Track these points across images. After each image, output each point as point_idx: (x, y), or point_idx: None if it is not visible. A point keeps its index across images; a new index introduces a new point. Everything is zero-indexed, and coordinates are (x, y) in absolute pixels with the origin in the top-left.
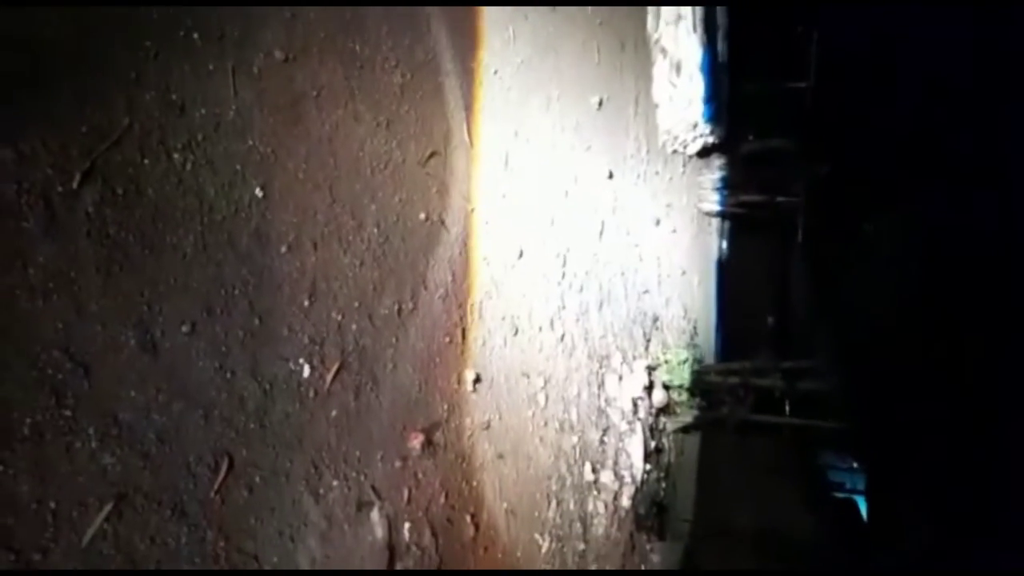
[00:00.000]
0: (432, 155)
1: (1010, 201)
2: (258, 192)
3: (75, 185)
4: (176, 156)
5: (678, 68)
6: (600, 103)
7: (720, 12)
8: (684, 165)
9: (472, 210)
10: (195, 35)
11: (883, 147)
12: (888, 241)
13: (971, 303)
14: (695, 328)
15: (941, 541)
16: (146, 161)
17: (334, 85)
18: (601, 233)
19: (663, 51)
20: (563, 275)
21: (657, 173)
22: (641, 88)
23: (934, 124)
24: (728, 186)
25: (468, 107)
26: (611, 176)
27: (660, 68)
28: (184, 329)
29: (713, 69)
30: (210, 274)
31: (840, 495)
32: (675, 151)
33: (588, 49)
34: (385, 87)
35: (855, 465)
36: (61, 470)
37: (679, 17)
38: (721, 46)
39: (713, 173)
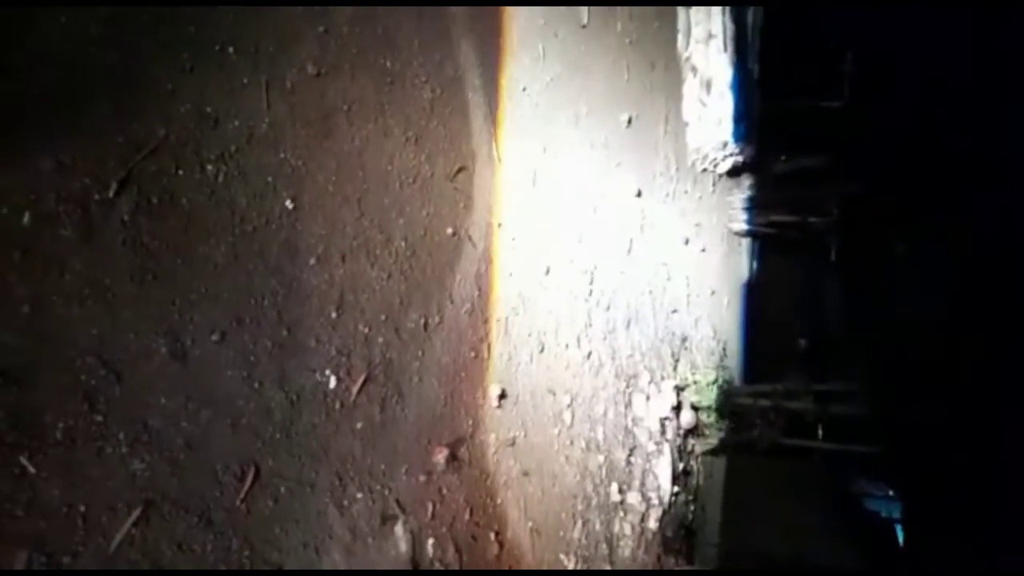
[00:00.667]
0: (460, 170)
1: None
2: (289, 204)
3: (111, 194)
4: (209, 167)
5: (708, 86)
6: (629, 121)
7: (751, 31)
8: (714, 184)
9: (499, 226)
10: (230, 49)
11: (918, 159)
12: (923, 261)
13: (1012, 319)
14: (724, 349)
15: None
16: (180, 171)
17: (365, 100)
18: (629, 251)
19: (693, 69)
20: (590, 292)
21: (686, 192)
22: (671, 107)
23: (938, 125)
24: (759, 206)
25: (495, 123)
26: (640, 194)
27: (690, 86)
28: (214, 338)
29: (744, 87)
30: (240, 284)
31: (876, 522)
32: (705, 170)
33: (618, 68)
34: (415, 102)
35: (890, 492)
36: (92, 475)
37: (710, 35)
38: (752, 64)
39: (743, 192)
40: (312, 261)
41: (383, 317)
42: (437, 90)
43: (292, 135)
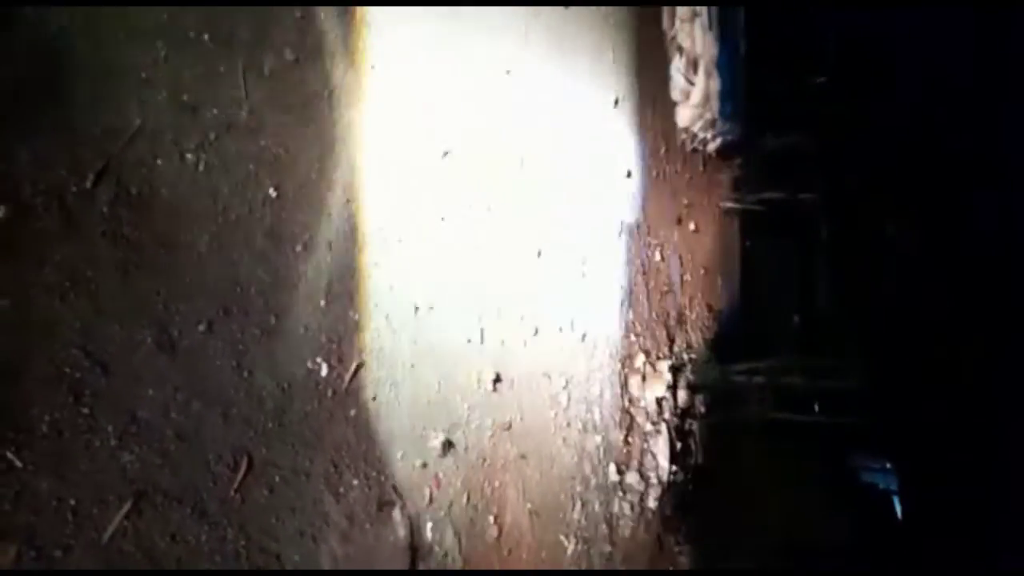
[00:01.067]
0: (445, 154)
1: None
2: (272, 192)
3: (89, 185)
4: (189, 156)
5: (695, 66)
6: (616, 102)
7: (737, 9)
8: (704, 163)
9: (488, 210)
10: (205, 36)
11: (918, 159)
12: (920, 252)
13: (1012, 319)
14: (718, 327)
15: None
16: (159, 161)
17: (346, 85)
18: (620, 232)
19: (679, 49)
20: (583, 275)
21: (677, 171)
22: (658, 86)
23: (938, 125)
24: (749, 184)
25: (477, 103)
26: (629, 175)
27: (676, 66)
28: (201, 328)
29: (731, 66)
30: (226, 273)
31: (873, 494)
32: (695, 149)
33: (603, 48)
34: (395, 86)
35: (887, 465)
36: (81, 467)
37: (694, 14)
38: (739, 43)
39: (734, 171)
40: (298, 249)
41: (373, 304)
42: (417, 73)
43: (272, 122)
